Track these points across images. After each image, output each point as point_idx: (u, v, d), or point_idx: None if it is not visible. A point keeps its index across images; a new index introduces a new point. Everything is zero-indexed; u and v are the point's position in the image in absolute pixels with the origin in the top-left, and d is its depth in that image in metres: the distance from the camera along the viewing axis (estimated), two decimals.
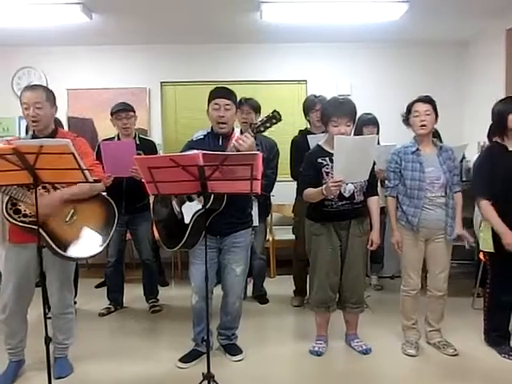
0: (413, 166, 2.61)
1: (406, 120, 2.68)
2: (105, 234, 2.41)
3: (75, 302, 3.46)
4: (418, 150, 2.63)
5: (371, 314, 3.25)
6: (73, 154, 1.91)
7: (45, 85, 4.64)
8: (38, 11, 3.54)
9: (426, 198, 2.58)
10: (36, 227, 2.25)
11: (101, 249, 2.40)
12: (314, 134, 3.31)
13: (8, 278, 2.38)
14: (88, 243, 2.36)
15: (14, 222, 2.28)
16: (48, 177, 2.02)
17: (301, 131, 3.55)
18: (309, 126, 3.55)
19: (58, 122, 3.58)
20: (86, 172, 1.99)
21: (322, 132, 3.19)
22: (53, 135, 2.40)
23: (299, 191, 3.43)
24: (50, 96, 2.40)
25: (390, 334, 2.91)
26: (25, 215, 2.28)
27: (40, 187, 2.28)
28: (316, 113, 3.34)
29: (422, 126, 2.58)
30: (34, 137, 2.41)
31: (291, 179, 3.41)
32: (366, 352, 2.71)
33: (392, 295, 3.66)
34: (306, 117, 3.51)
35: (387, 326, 3.01)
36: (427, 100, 2.61)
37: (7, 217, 2.27)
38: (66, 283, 2.47)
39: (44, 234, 2.27)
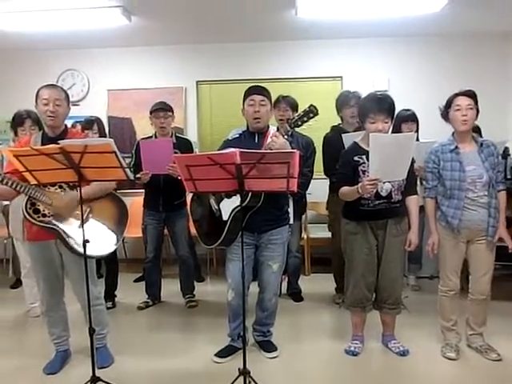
0: (452, 166, 2.51)
1: (445, 114, 2.57)
2: (119, 233, 2.46)
3: (115, 295, 3.61)
4: (456, 147, 2.52)
5: (409, 315, 3.17)
6: (115, 152, 1.99)
7: (87, 86, 4.87)
8: (81, 15, 3.68)
9: (467, 198, 2.48)
10: (55, 226, 2.32)
11: (115, 247, 2.45)
12: (346, 131, 3.25)
13: (38, 274, 2.50)
14: (102, 242, 2.40)
15: (33, 221, 2.33)
16: (91, 175, 2.10)
17: (333, 127, 3.49)
18: (341, 123, 3.48)
19: (99, 121, 3.75)
20: (127, 170, 2.07)
21: (355, 130, 3.13)
22: (63, 135, 2.41)
23: (332, 188, 3.41)
24: (67, 96, 2.48)
25: (428, 336, 2.84)
26: (44, 215, 2.33)
27: (57, 186, 2.34)
28: (350, 109, 3.28)
29: (464, 121, 2.47)
30: (43, 136, 2.44)
31: (325, 177, 3.38)
32: (404, 354, 2.65)
33: (430, 296, 3.54)
34: (338, 113, 3.44)
35: (426, 328, 2.94)
36: (470, 94, 2.50)
37: (27, 216, 2.31)
38: (88, 277, 2.48)
39: (63, 234, 2.34)
